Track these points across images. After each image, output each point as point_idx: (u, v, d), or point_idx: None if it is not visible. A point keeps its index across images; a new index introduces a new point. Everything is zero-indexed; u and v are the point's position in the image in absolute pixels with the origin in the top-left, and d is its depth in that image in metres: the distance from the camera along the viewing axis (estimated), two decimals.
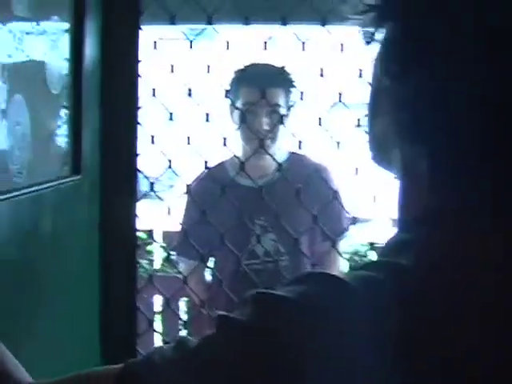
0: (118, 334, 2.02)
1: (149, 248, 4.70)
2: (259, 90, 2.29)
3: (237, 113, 2.63)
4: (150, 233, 4.70)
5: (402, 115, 0.86)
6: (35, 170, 1.54)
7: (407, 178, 0.90)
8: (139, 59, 1.99)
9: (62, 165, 1.70)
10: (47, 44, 1.61)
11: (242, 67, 2.55)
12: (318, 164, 2.57)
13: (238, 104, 2.62)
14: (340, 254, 2.32)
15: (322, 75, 2.01)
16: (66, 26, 1.72)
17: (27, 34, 1.51)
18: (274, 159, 2.31)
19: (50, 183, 1.59)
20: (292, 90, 2.64)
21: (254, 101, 2.54)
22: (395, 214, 0.93)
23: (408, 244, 0.84)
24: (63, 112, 1.70)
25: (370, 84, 0.94)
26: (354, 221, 2.05)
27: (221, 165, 2.74)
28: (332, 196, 2.21)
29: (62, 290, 1.77)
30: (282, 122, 2.34)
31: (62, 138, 1.70)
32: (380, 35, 0.88)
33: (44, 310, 1.66)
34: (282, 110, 2.65)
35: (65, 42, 1.71)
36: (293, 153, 2.69)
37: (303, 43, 1.99)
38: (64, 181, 1.68)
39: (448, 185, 0.85)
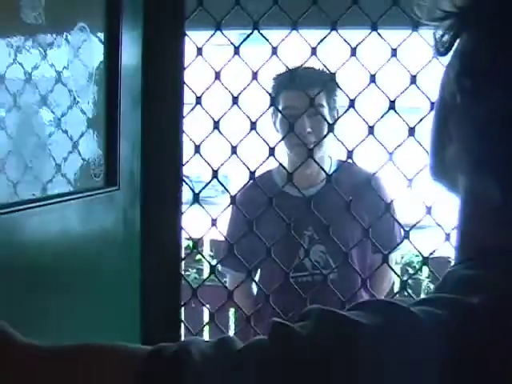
0: None
1: (198, 257, 4.65)
2: (299, 92, 2.19)
3: (278, 120, 2.54)
4: (197, 242, 4.65)
5: (473, 140, 0.77)
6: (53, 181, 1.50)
7: (475, 209, 0.82)
8: (184, 66, 1.94)
9: (93, 176, 1.65)
10: (70, 52, 1.56)
11: (281, 72, 2.43)
12: (369, 173, 2.39)
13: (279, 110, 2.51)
14: (392, 269, 2.21)
15: (373, 81, 1.93)
16: (99, 32, 1.67)
17: (45, 43, 1.47)
18: (321, 167, 2.20)
19: (75, 195, 1.55)
20: (336, 92, 2.52)
21: (294, 103, 2.45)
22: (455, 244, 0.85)
23: (476, 280, 0.76)
24: (92, 121, 1.66)
25: (438, 98, 0.85)
26: (407, 234, 1.95)
27: (267, 174, 2.64)
28: (384, 207, 2.11)
29: (101, 303, 1.72)
30: (330, 130, 2.22)
31: (92, 148, 1.66)
32: (454, 45, 0.80)
33: (79, 323, 1.61)
34: (326, 111, 2.55)
35: (96, 48, 1.66)
36: (342, 161, 2.55)
37: (353, 49, 1.91)
38: (96, 192, 1.63)
39: None
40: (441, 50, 0.80)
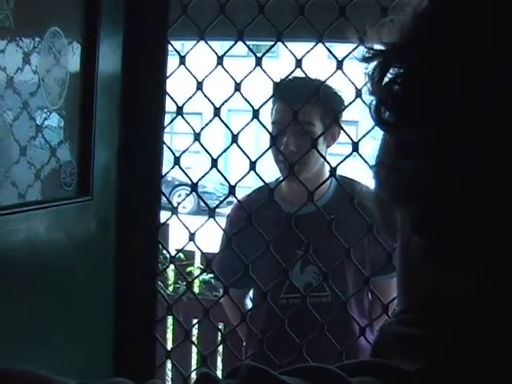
0: (134, 366, 1.90)
1: (189, 269, 4.60)
2: (290, 107, 1.98)
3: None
4: (189, 254, 4.62)
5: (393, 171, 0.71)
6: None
7: (410, 255, 0.74)
8: (167, 75, 1.88)
9: (63, 185, 1.59)
10: (44, 57, 1.51)
11: (279, 81, 2.13)
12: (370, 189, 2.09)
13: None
14: None
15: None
16: (75, 38, 1.61)
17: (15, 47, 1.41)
18: (304, 186, 1.97)
19: (43, 204, 1.49)
20: (337, 108, 2.29)
21: (281, 118, 2.30)
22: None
23: (412, 342, 0.68)
24: (65, 129, 1.60)
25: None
26: None
27: (265, 187, 2.47)
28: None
29: (72, 318, 1.66)
30: (315, 144, 2.07)
31: (64, 156, 1.60)
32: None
33: (47, 337, 1.56)
34: (316, 130, 2.34)
35: (71, 54, 1.61)
36: (344, 177, 2.31)
37: (298, 60, 1.84)
38: (66, 202, 1.57)
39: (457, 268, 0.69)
40: (371, 90, 0.74)
